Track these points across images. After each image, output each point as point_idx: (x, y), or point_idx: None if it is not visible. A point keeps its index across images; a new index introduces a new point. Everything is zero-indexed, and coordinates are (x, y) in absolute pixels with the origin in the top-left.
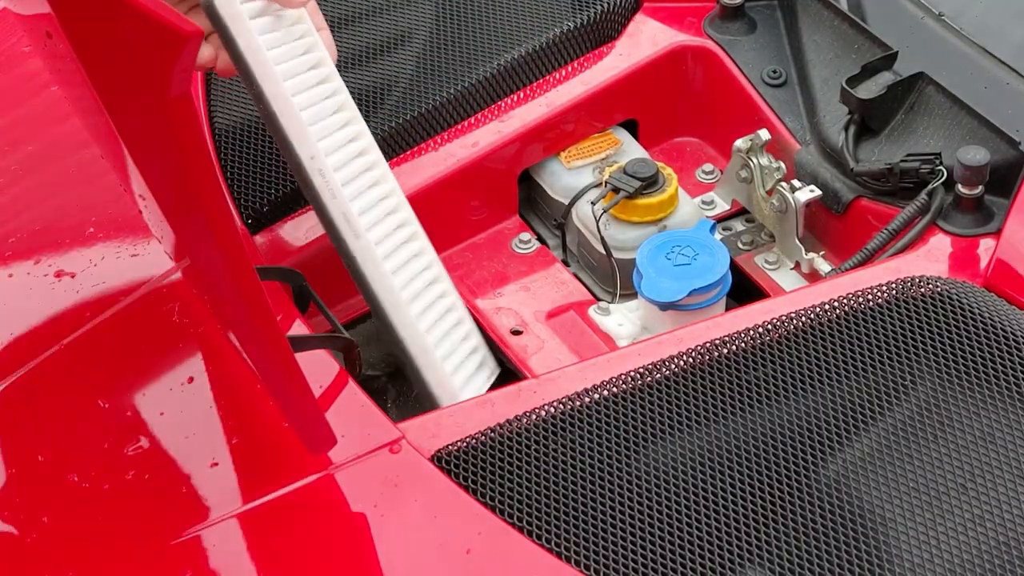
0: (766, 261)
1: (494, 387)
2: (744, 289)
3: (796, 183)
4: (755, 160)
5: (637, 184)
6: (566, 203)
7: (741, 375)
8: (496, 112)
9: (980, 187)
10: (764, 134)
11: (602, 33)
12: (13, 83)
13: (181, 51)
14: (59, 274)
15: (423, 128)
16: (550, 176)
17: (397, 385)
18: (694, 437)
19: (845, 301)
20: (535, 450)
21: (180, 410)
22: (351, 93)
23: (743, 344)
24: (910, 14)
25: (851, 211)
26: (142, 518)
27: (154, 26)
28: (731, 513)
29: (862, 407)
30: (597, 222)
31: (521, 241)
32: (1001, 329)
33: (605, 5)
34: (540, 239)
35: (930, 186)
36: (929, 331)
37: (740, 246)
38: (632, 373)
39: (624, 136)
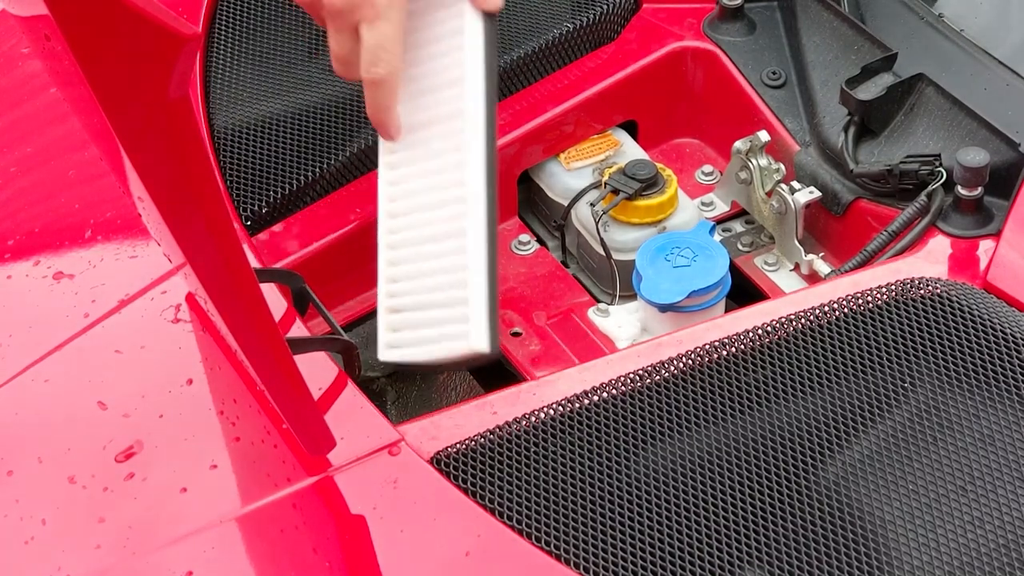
0: (766, 263)
1: (493, 388)
2: (744, 291)
3: (796, 184)
4: (755, 161)
5: (637, 185)
6: (565, 204)
7: (741, 377)
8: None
9: (980, 188)
10: (763, 135)
11: (602, 34)
12: (12, 84)
13: (179, 53)
14: (58, 275)
15: None
16: (549, 177)
17: (396, 387)
18: (694, 439)
19: (845, 303)
20: (534, 452)
21: (179, 412)
22: (351, 95)
23: (743, 346)
24: (910, 15)
25: (851, 212)
26: (141, 520)
27: (152, 29)
28: (732, 516)
29: (862, 409)
30: (597, 223)
31: (520, 242)
32: (1001, 331)
33: (605, 6)
34: (539, 240)
35: (930, 187)
36: (929, 333)
37: (740, 247)
38: (632, 375)
39: (624, 137)
